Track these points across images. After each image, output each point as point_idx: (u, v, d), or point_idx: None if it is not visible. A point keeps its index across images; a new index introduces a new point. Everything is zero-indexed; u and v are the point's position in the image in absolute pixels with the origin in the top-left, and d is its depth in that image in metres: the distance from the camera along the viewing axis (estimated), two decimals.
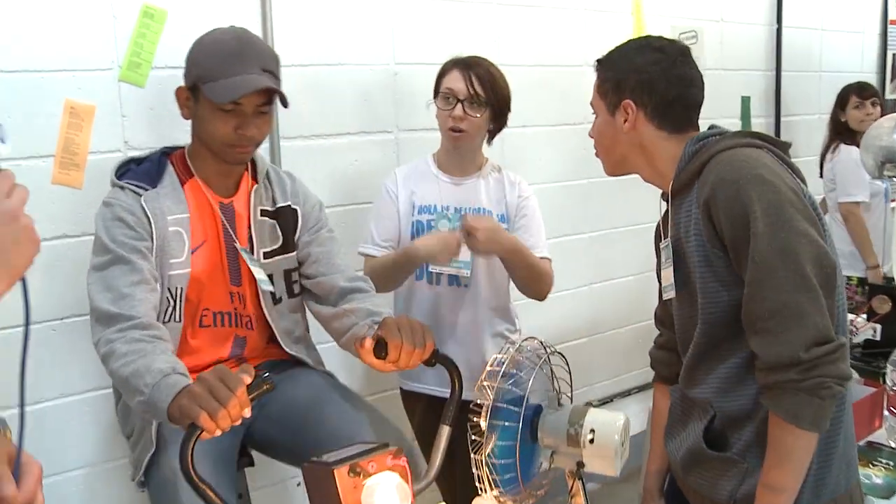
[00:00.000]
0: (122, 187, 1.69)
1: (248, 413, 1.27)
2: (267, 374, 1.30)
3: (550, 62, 3.07)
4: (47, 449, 2.13)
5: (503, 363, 1.42)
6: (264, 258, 1.80)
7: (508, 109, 2.21)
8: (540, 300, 2.28)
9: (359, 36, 2.56)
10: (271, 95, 1.68)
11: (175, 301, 1.69)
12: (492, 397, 1.39)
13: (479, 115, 2.14)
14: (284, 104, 1.69)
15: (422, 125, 2.65)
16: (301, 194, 1.89)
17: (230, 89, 1.61)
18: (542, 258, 2.20)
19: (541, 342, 1.51)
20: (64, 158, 2.08)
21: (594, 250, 3.34)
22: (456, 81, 2.14)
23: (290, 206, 1.86)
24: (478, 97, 2.12)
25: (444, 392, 1.68)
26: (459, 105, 2.13)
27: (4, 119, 2.03)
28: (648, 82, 1.59)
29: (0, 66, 2.01)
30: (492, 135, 2.25)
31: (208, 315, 1.77)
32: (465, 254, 2.12)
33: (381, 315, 1.69)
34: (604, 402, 3.42)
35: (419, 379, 2.29)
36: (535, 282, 2.22)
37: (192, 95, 1.70)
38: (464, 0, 2.80)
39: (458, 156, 2.24)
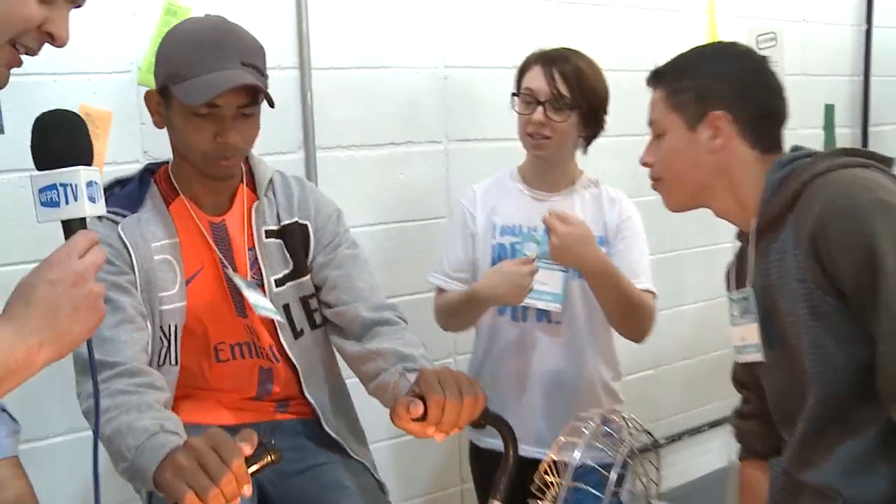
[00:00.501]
0: (98, 217, 1.47)
1: (247, 491, 1.02)
2: (272, 440, 1.05)
3: (615, 66, 2.73)
4: (61, 485, 1.94)
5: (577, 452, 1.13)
6: (276, 286, 1.55)
7: (604, 111, 1.90)
8: (636, 341, 1.93)
9: (404, 36, 2.34)
10: (255, 94, 1.43)
11: (169, 340, 1.47)
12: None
13: (564, 120, 1.85)
14: (270, 104, 1.44)
15: (474, 134, 2.45)
16: (311, 205, 1.59)
17: (203, 89, 1.36)
18: (642, 290, 1.85)
19: (632, 422, 1.22)
20: None
21: (664, 274, 3.03)
22: (536, 80, 1.85)
23: (296, 222, 1.58)
24: (562, 98, 1.83)
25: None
26: (540, 108, 1.83)
27: (14, 125, 1.85)
28: (742, 90, 1.34)
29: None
30: (587, 141, 1.95)
31: (225, 348, 1.54)
32: (554, 283, 1.83)
33: (413, 359, 1.42)
34: (672, 439, 3.12)
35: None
36: (630, 317, 1.86)
37: (164, 100, 1.45)
38: None
39: (545, 167, 1.94)
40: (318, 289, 1.60)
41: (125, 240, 1.43)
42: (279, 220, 1.56)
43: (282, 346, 1.55)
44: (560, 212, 1.77)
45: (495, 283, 1.80)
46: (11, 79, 1.85)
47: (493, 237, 1.92)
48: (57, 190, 0.90)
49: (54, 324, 0.84)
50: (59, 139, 0.97)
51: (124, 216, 1.45)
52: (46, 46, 1.04)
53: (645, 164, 1.44)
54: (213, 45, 1.39)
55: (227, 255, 1.52)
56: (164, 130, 1.51)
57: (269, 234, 1.56)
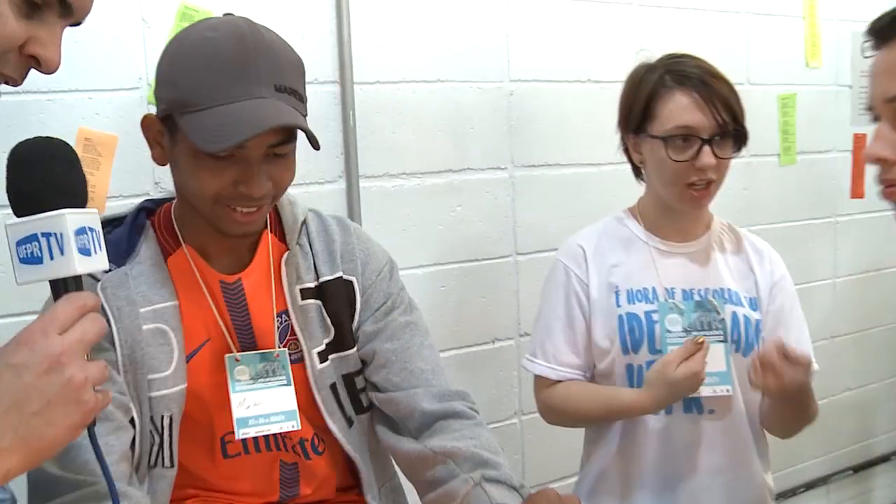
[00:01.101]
0: None
1: None
2: None
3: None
4: None
5: None
6: (320, 361, 1.21)
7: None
8: (782, 438, 1.59)
9: (462, 44, 2.04)
10: (292, 129, 1.10)
11: (162, 436, 1.13)
12: None
13: (731, 156, 1.49)
14: (314, 145, 1.09)
15: (544, 159, 2.14)
16: (358, 256, 1.26)
17: (222, 129, 1.02)
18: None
19: None
20: None
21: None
22: (690, 111, 1.45)
23: (340, 278, 1.24)
24: (726, 130, 1.45)
25: None
26: (706, 149, 1.44)
27: (1, 154, 1.57)
28: None
29: None
30: None
31: (234, 441, 1.18)
32: (717, 358, 1.46)
33: (495, 466, 1.08)
34: (811, 485, 2.77)
35: None
36: (798, 422, 1.53)
37: (167, 131, 1.12)
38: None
39: (683, 214, 1.57)
40: (363, 363, 1.26)
41: (105, 303, 1.10)
42: (317, 276, 1.23)
43: (320, 439, 1.22)
44: (782, 344, 1.37)
45: (660, 395, 1.43)
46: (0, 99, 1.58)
47: (618, 305, 1.54)
48: (38, 241, 0.75)
49: (19, 424, 0.68)
50: (40, 175, 0.79)
51: (106, 270, 1.11)
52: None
53: (878, 161, 1.03)
54: (236, 63, 1.04)
55: (242, 323, 1.18)
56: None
57: (305, 293, 1.21)
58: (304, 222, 1.26)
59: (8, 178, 0.80)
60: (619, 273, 1.55)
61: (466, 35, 2.04)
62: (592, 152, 2.17)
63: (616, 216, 1.64)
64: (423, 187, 2.01)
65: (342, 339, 1.23)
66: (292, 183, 1.18)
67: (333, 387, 1.21)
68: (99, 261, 0.78)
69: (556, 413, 1.58)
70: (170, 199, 1.24)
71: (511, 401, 2.16)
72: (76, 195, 0.80)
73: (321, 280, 1.22)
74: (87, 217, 0.77)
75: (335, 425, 1.20)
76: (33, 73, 0.86)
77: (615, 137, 1.65)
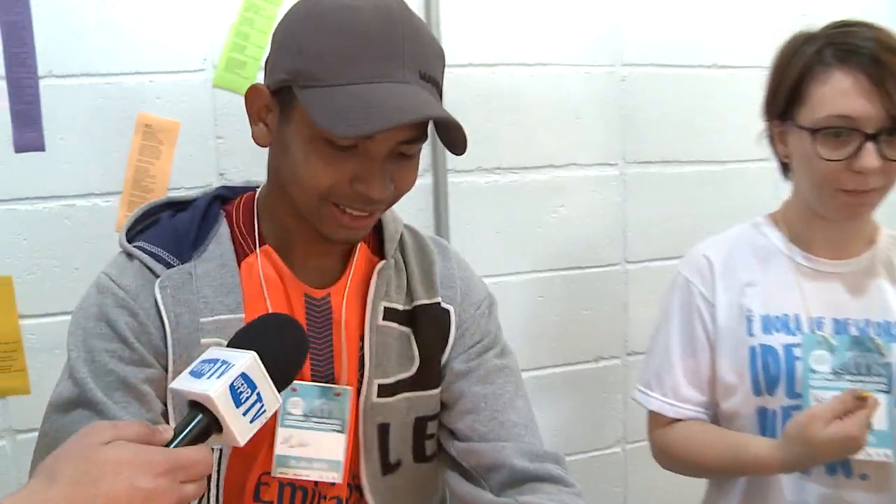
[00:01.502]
0: (129, 255, 0.99)
1: None
2: None
3: None
4: None
5: None
6: (379, 395, 1.03)
7: None
8: None
9: (567, 23, 1.86)
10: (423, 126, 0.93)
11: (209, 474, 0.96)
12: None
13: None
14: (455, 148, 0.94)
15: (660, 155, 1.94)
16: (458, 283, 1.10)
17: (355, 114, 0.86)
18: None
19: None
20: (134, 197, 1.56)
21: None
22: (852, 97, 1.16)
23: (438, 304, 1.07)
24: None
25: None
26: (870, 146, 1.15)
27: (56, 141, 1.48)
28: None
29: (52, 69, 1.50)
30: None
31: (271, 485, 1.01)
32: (876, 415, 1.17)
33: None
34: None
35: None
36: None
37: (279, 105, 0.94)
38: None
39: (837, 224, 1.29)
40: (444, 406, 1.08)
41: (161, 304, 0.95)
42: (412, 298, 1.06)
43: (358, 492, 1.04)
44: None
45: (799, 456, 1.17)
46: (55, 81, 1.49)
47: (751, 334, 1.28)
48: (215, 364, 0.76)
49: None
50: (284, 347, 0.81)
51: (168, 265, 0.97)
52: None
53: None
54: (382, 39, 0.88)
55: (320, 348, 1.02)
56: (248, 146, 1.02)
57: (390, 314, 1.05)
58: (401, 237, 1.10)
59: (255, 326, 0.83)
60: (754, 294, 1.28)
61: (572, 11, 1.86)
62: (717, 148, 1.97)
63: (753, 223, 1.36)
64: (521, 184, 1.84)
65: (427, 376, 1.06)
66: None
67: (384, 427, 1.02)
68: (242, 424, 0.75)
69: (672, 459, 1.33)
70: (249, 189, 1.08)
71: (614, 427, 2.00)
72: (285, 379, 0.80)
73: (416, 303, 1.06)
74: (266, 386, 0.76)
75: (367, 471, 1.02)
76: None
77: (746, 131, 1.39)
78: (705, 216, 1.93)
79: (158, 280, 0.95)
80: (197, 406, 0.72)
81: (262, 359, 0.75)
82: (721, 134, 1.94)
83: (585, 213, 1.89)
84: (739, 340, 1.26)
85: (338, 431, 1.00)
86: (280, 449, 0.98)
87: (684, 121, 1.95)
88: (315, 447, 0.99)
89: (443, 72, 0.96)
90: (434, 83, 0.92)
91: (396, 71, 0.87)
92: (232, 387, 0.72)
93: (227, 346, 0.79)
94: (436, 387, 1.06)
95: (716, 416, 1.32)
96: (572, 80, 1.86)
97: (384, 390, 1.02)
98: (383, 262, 1.04)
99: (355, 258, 1.04)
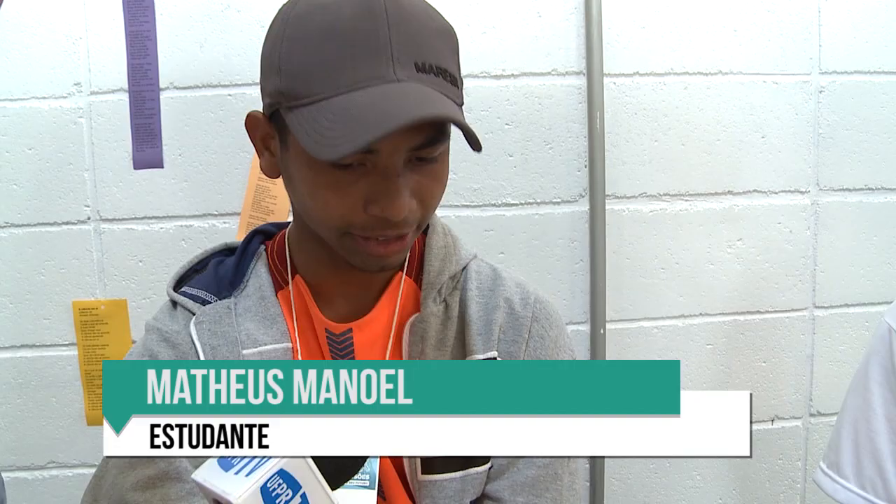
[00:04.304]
0: (173, 302, 0.98)
1: None
2: None
3: None
4: None
5: None
6: (423, 470, 0.92)
7: None
8: None
9: (751, 23, 1.61)
10: (441, 125, 0.81)
11: None
12: None
13: None
14: (474, 145, 0.78)
15: (862, 182, 1.68)
16: (525, 336, 0.95)
17: (341, 129, 0.76)
18: None
19: None
20: (254, 218, 1.45)
21: None
22: None
23: (493, 359, 0.94)
24: None
25: None
26: None
27: (175, 158, 1.38)
28: None
29: (173, 81, 1.43)
30: None
31: None
32: None
33: None
34: None
35: None
36: None
37: (277, 131, 0.86)
38: None
39: None
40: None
41: (195, 338, 0.91)
42: (467, 352, 0.94)
43: None
44: None
45: None
46: (176, 94, 1.44)
47: None
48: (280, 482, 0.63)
49: None
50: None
51: (205, 302, 0.94)
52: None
53: None
54: (361, 34, 0.78)
55: None
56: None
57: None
58: (465, 272, 0.97)
59: None
60: None
61: (758, 10, 1.62)
62: None
63: None
64: (692, 213, 1.63)
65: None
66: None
67: None
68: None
69: None
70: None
71: (791, 499, 1.75)
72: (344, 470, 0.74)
73: (469, 353, 0.94)
74: (314, 484, 0.66)
75: None
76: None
77: None
78: None
79: (194, 317, 0.92)
80: None
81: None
82: None
83: (767, 248, 1.65)
84: None
85: (366, 488, 0.89)
86: None
87: (894, 140, 1.67)
88: None
89: (454, 51, 0.84)
90: (438, 71, 0.80)
91: (384, 69, 0.77)
92: (265, 489, 0.62)
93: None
94: (485, 463, 0.94)
95: None
96: (757, 92, 1.62)
97: (427, 464, 0.91)
98: (416, 316, 0.92)
99: (391, 292, 0.94)
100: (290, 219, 1.05)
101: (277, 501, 0.63)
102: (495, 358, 0.94)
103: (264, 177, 1.40)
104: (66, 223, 1.41)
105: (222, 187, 1.41)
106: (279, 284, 0.96)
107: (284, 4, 0.84)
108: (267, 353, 0.92)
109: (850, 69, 1.64)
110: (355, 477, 0.87)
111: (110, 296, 1.42)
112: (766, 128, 1.61)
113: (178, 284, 0.99)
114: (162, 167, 1.38)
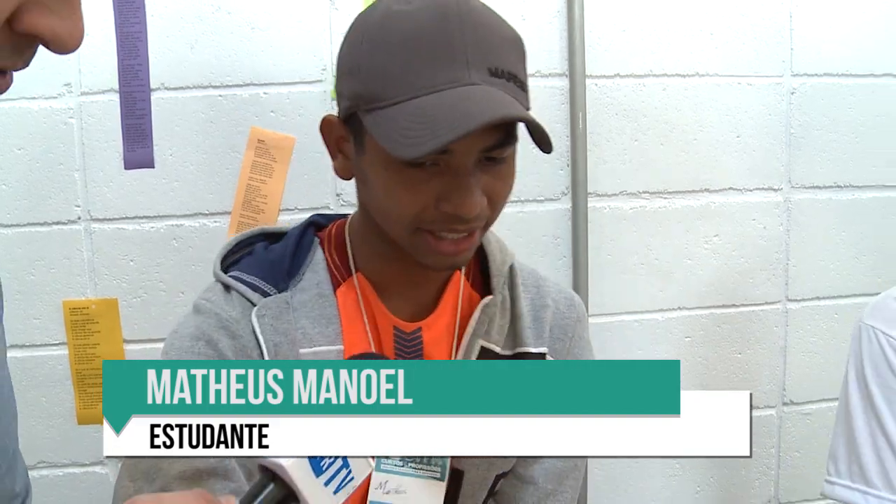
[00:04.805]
0: (226, 286, 0.95)
1: None
2: None
3: None
4: None
5: None
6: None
7: None
8: None
9: (727, 30, 1.64)
10: (510, 127, 0.86)
11: None
12: None
13: None
14: (545, 146, 0.84)
15: (832, 179, 1.72)
16: (570, 335, 1.02)
17: (420, 130, 0.80)
18: None
19: None
20: (244, 218, 1.45)
21: None
22: None
23: (544, 355, 0.99)
24: None
25: None
26: None
27: (165, 158, 1.39)
28: None
29: (164, 82, 1.43)
30: None
31: None
32: None
33: None
34: None
35: None
36: None
37: (351, 135, 0.90)
38: None
39: None
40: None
41: (259, 333, 0.90)
42: (515, 342, 0.99)
43: None
44: None
45: None
46: (166, 94, 1.44)
47: None
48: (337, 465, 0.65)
49: None
50: None
51: (265, 293, 0.92)
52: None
53: None
54: (438, 40, 0.82)
55: None
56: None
57: (485, 355, 0.97)
58: (511, 270, 1.01)
59: None
60: None
61: (733, 14, 1.65)
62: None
63: None
64: (670, 210, 1.65)
65: None
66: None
67: (456, 474, 0.95)
68: (323, 497, 0.64)
69: None
70: (342, 216, 1.02)
71: (765, 485, 1.78)
72: None
73: (520, 349, 0.98)
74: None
75: None
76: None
77: None
78: (886, 252, 1.70)
79: (255, 308, 0.91)
80: (268, 472, 0.64)
81: None
82: None
83: (743, 243, 1.69)
84: None
85: (437, 479, 0.94)
86: (374, 494, 0.92)
87: (863, 140, 1.72)
88: (412, 495, 0.93)
89: (522, 59, 0.88)
90: (509, 76, 0.84)
91: (460, 72, 0.80)
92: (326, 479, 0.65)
93: None
94: None
95: None
96: (732, 93, 1.65)
97: None
98: (490, 297, 0.97)
99: (452, 290, 0.98)
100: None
101: (322, 465, 0.65)
102: (545, 353, 0.98)
103: (255, 175, 1.43)
104: (57, 223, 1.41)
105: (213, 187, 1.41)
106: (337, 280, 0.96)
107: (361, 12, 0.88)
108: (321, 355, 0.92)
109: (821, 72, 1.68)
110: (428, 467, 0.93)
111: (101, 295, 1.42)
112: (741, 128, 1.65)
113: (224, 265, 0.97)
114: (153, 167, 1.38)
